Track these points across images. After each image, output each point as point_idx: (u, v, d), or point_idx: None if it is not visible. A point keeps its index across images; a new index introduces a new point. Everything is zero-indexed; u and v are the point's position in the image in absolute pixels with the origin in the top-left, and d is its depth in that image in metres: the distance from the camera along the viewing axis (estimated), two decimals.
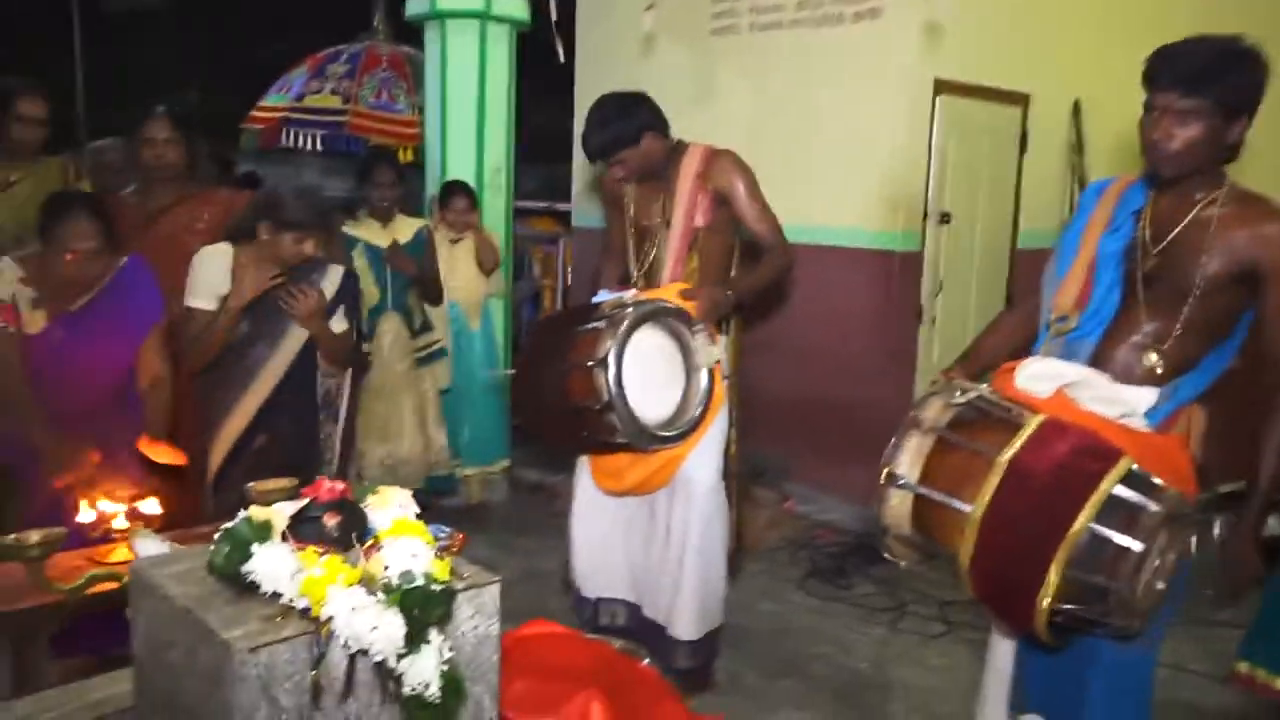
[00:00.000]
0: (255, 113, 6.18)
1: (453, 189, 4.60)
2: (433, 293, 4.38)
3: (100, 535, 2.36)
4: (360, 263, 4.15)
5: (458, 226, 4.55)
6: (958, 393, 1.96)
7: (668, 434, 2.75)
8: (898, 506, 1.93)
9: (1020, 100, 5.03)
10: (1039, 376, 1.95)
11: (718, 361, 2.89)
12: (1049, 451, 1.75)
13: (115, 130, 3.65)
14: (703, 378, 2.81)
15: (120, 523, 2.36)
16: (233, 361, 2.97)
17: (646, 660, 2.68)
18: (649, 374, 2.70)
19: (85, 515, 2.38)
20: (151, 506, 2.45)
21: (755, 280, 3.06)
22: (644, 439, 2.69)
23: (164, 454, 2.76)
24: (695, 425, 2.82)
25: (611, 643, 2.63)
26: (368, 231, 4.26)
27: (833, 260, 4.73)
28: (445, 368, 4.49)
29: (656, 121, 2.96)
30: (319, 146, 5.85)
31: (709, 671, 3.11)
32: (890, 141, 4.59)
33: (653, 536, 3.03)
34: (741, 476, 3.66)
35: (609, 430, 2.65)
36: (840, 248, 4.74)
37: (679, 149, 3.01)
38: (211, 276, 2.91)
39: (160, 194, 3.35)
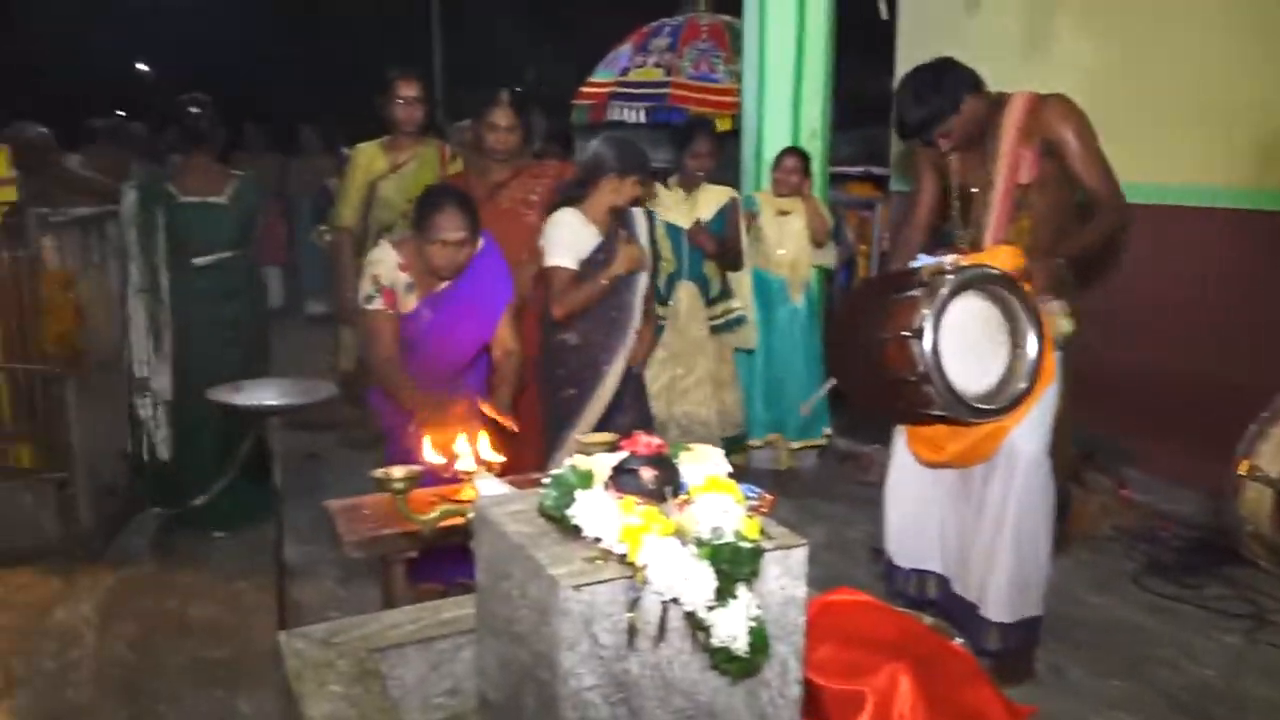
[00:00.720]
0: (585, 88, 6.53)
1: (784, 151, 4.61)
2: (733, 262, 4.41)
3: (450, 476, 2.63)
4: (659, 232, 4.24)
5: (782, 186, 4.56)
6: None
7: (990, 407, 2.61)
8: (1255, 502, 1.71)
9: None
10: None
11: (1066, 335, 2.71)
12: None
13: (469, 111, 4.05)
14: (1031, 348, 2.63)
15: (467, 465, 2.61)
16: (609, 306, 3.35)
17: (959, 640, 2.58)
18: (970, 344, 2.57)
19: (438, 458, 2.66)
20: (494, 454, 2.69)
21: (1084, 241, 2.80)
22: (963, 411, 2.57)
23: (504, 419, 3.03)
24: (1021, 399, 2.65)
25: (921, 618, 2.55)
26: (670, 203, 4.32)
27: (1189, 222, 4.24)
28: (749, 331, 4.52)
29: (973, 82, 2.79)
30: (642, 119, 6.06)
31: (1028, 661, 2.94)
32: (1260, 84, 4.01)
33: (969, 510, 2.90)
34: (1071, 457, 3.40)
35: (926, 402, 2.56)
36: (1197, 208, 4.23)
37: (1000, 102, 2.82)
38: (572, 237, 3.28)
39: (498, 170, 3.65)
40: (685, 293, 4.37)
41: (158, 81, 13.07)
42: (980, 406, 2.59)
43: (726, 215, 4.36)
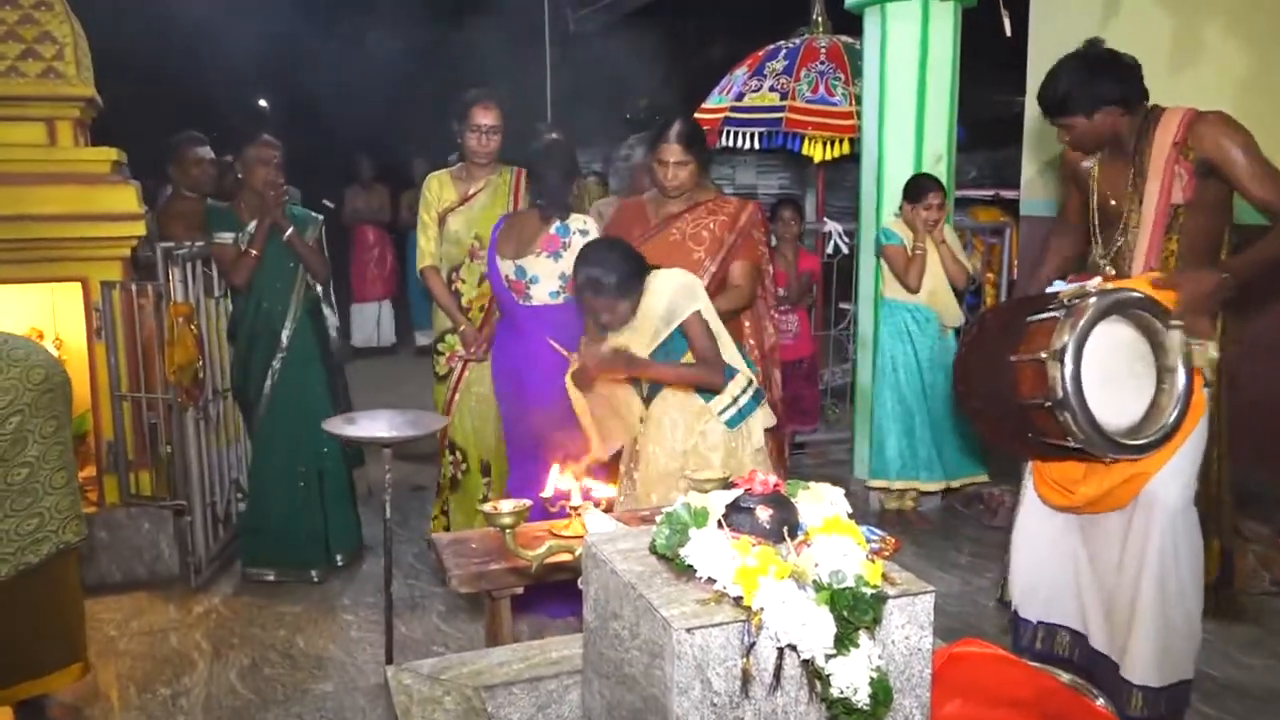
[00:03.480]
0: (698, 114, 6.47)
1: (929, 184, 4.30)
2: None
3: (558, 510, 2.58)
4: None
5: (930, 225, 4.28)
6: None
7: (1131, 443, 2.41)
8: None
9: None
10: None
11: (1211, 361, 2.50)
12: None
13: (581, 139, 3.94)
14: (1179, 381, 2.43)
15: (575, 500, 2.57)
16: None
17: (1100, 701, 2.38)
18: (1112, 373, 2.39)
19: (548, 490, 2.62)
20: (603, 490, 2.63)
21: (1258, 256, 2.54)
22: (1102, 445, 2.37)
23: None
24: (1167, 436, 2.44)
25: (1058, 675, 2.37)
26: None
27: None
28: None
29: (1123, 95, 2.60)
30: (755, 145, 5.97)
31: None
32: None
33: (1107, 560, 2.68)
34: (1229, 505, 3.14)
35: (1060, 432, 2.38)
36: None
37: (1152, 115, 2.63)
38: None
39: (671, 203, 3.40)
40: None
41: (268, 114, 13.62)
42: (1122, 442, 2.39)
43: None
